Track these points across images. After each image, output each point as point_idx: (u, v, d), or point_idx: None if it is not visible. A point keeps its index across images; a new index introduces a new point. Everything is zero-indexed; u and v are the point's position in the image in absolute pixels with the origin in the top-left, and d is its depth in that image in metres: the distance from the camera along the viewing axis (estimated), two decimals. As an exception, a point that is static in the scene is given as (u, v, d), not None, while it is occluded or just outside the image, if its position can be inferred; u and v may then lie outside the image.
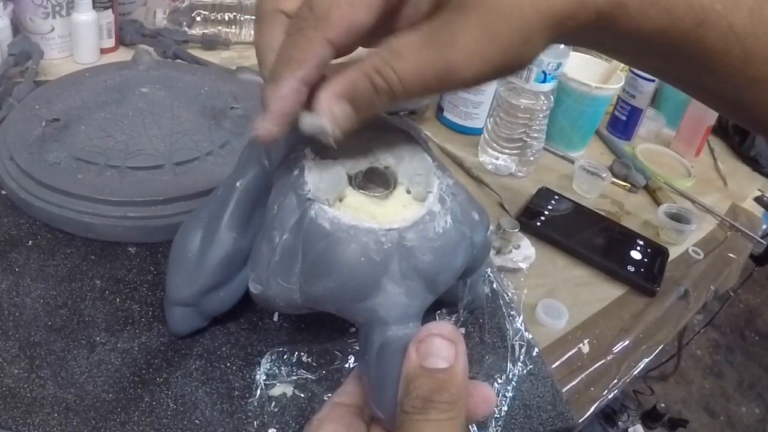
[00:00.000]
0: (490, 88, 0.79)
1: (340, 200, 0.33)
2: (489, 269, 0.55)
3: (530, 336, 0.51)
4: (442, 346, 0.27)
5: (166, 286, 0.42)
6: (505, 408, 0.45)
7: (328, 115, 0.28)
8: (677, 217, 0.73)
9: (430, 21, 0.27)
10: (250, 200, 0.39)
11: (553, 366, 0.52)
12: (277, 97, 0.28)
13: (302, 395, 0.42)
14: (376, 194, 0.34)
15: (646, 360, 0.58)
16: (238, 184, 0.39)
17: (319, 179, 0.33)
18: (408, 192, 0.34)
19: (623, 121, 0.94)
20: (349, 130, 0.29)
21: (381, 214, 0.32)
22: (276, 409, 0.41)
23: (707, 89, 0.30)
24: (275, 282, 0.33)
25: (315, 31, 0.27)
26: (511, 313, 0.52)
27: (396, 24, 0.30)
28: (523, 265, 0.61)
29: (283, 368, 0.43)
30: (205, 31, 0.88)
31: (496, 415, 0.44)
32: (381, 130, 0.36)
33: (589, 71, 0.84)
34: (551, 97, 0.74)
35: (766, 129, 0.31)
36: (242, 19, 0.89)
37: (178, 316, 0.43)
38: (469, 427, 0.43)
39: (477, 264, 0.38)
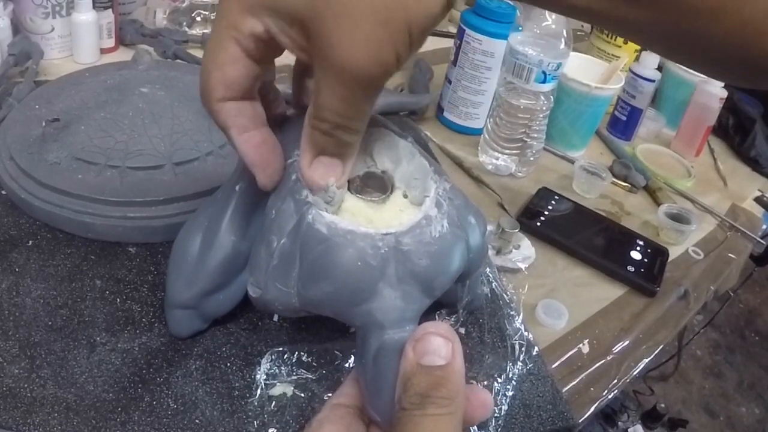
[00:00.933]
0: (491, 88, 0.79)
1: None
2: (488, 269, 0.55)
3: (530, 335, 0.51)
4: (439, 344, 0.27)
5: (167, 289, 0.42)
6: (505, 407, 0.45)
7: (317, 180, 0.32)
8: (677, 218, 0.73)
9: (311, 50, 0.28)
10: (249, 204, 0.39)
11: (553, 366, 0.52)
12: (243, 155, 0.33)
13: (302, 395, 0.42)
14: (373, 198, 0.34)
15: (646, 360, 0.58)
16: (237, 187, 0.39)
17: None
18: (405, 196, 0.34)
19: (623, 122, 0.94)
20: (341, 172, 0.32)
21: (378, 219, 0.33)
22: (276, 409, 0.41)
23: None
24: (273, 286, 0.33)
25: (208, 103, 0.32)
26: (511, 312, 0.52)
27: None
28: (522, 266, 0.61)
29: (283, 368, 0.43)
30: (205, 31, 0.88)
31: (496, 415, 0.44)
32: (379, 134, 0.36)
33: (589, 71, 0.84)
34: (551, 97, 0.74)
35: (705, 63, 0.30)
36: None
37: (178, 318, 0.43)
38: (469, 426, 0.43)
39: (474, 267, 0.38)
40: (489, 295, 0.53)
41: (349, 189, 0.34)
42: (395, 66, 0.27)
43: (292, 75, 0.38)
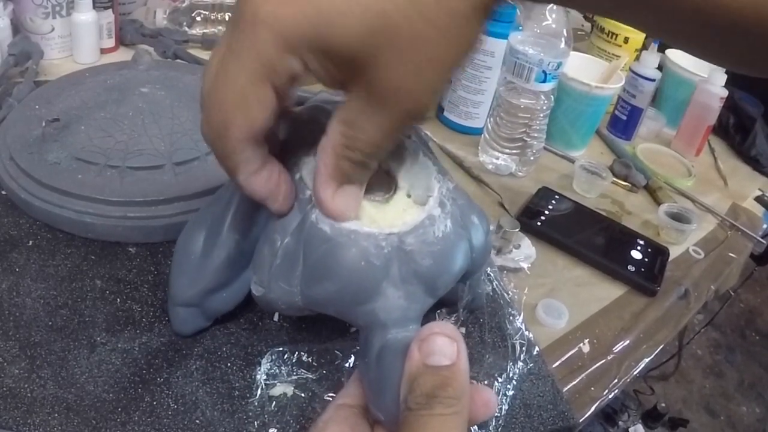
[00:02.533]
0: (491, 88, 0.79)
1: None
2: (489, 269, 0.55)
3: (530, 335, 0.51)
4: (444, 344, 0.27)
5: (170, 287, 0.42)
6: (506, 407, 0.45)
7: (344, 211, 0.31)
8: (678, 217, 0.73)
9: (356, 86, 0.28)
10: (252, 202, 0.39)
11: (554, 366, 0.52)
12: (251, 193, 0.32)
13: (303, 395, 0.42)
14: (377, 198, 0.34)
15: (647, 360, 0.58)
16: None
17: None
18: (408, 196, 0.34)
19: (623, 121, 0.94)
20: (360, 199, 0.32)
21: (381, 218, 0.33)
22: (276, 409, 0.41)
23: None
24: (277, 285, 0.33)
25: (223, 145, 0.29)
26: (512, 312, 0.52)
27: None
28: (524, 265, 0.61)
29: (283, 368, 0.43)
30: (205, 31, 0.88)
31: (496, 415, 0.44)
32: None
33: (589, 71, 0.84)
34: (551, 96, 0.74)
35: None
36: (242, 19, 0.88)
37: (181, 316, 0.43)
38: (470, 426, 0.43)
39: (477, 266, 0.38)
40: (490, 293, 0.53)
41: None
42: (431, 102, 0.28)
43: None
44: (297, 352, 0.44)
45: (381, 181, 0.35)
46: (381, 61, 0.26)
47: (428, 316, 0.35)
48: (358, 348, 0.44)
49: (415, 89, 0.27)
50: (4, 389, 0.38)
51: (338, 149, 0.29)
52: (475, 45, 0.27)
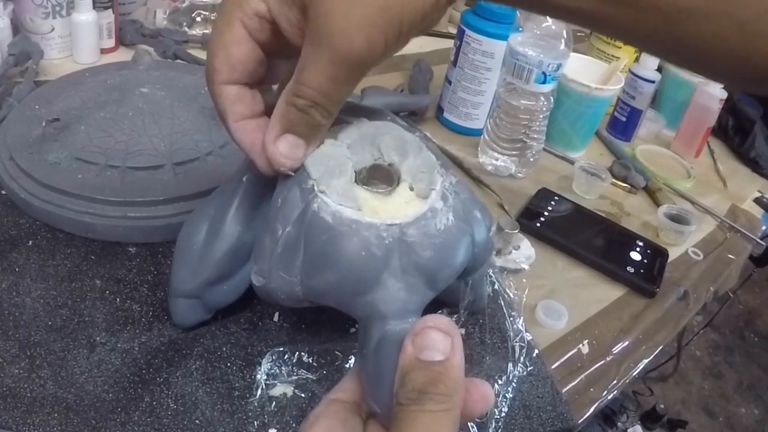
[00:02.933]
0: (491, 89, 0.79)
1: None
2: (490, 270, 0.55)
3: (531, 337, 0.51)
4: (437, 339, 0.27)
5: (171, 278, 0.42)
6: (506, 409, 0.45)
7: (279, 157, 0.32)
8: (677, 218, 0.73)
9: (306, 29, 0.29)
10: (255, 195, 0.39)
11: (553, 367, 0.52)
12: (238, 141, 0.34)
13: (303, 395, 0.42)
14: (380, 190, 0.34)
15: (646, 361, 0.58)
16: (244, 178, 0.39)
17: (323, 173, 0.33)
18: (411, 189, 0.35)
19: (623, 122, 0.94)
20: (303, 155, 0.33)
21: (383, 210, 0.33)
22: (276, 409, 0.41)
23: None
24: (277, 274, 0.34)
25: (211, 85, 0.32)
26: (512, 313, 0.52)
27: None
28: (525, 265, 0.61)
29: (283, 368, 0.43)
30: (205, 31, 0.88)
31: (496, 416, 0.44)
32: (386, 127, 0.37)
33: (589, 72, 0.84)
34: (551, 98, 0.74)
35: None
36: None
37: (182, 308, 0.43)
38: (469, 426, 0.43)
39: (479, 262, 0.38)
40: (491, 294, 0.53)
41: (355, 180, 0.34)
42: (382, 55, 0.28)
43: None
44: (297, 353, 0.44)
45: (384, 173, 0.35)
46: (324, 7, 0.27)
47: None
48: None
49: (347, 27, 0.27)
50: (4, 389, 0.38)
51: (288, 95, 0.31)
52: (418, 10, 0.27)
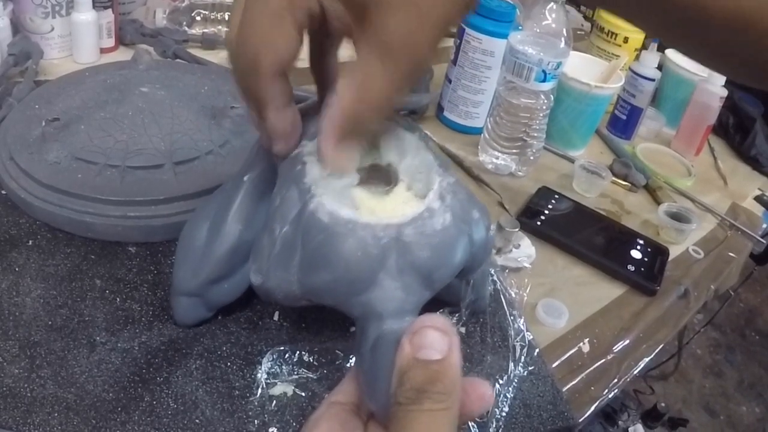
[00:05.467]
0: (491, 88, 0.79)
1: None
2: (492, 269, 0.55)
3: (531, 337, 0.51)
4: (435, 338, 0.27)
5: (173, 276, 0.43)
6: (506, 408, 0.45)
7: (342, 161, 0.32)
8: (677, 217, 0.73)
9: (365, 35, 0.29)
10: (257, 194, 0.40)
11: (554, 365, 0.52)
12: (274, 129, 0.34)
13: (303, 394, 0.42)
14: (377, 190, 0.34)
15: (647, 359, 0.58)
16: (245, 178, 0.40)
17: (320, 173, 0.33)
18: (409, 189, 0.35)
19: (623, 121, 0.94)
20: (357, 156, 0.33)
21: (380, 210, 0.33)
22: (277, 409, 0.41)
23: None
24: (275, 273, 0.34)
25: (256, 80, 0.32)
26: (513, 312, 0.52)
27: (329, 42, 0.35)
28: (526, 263, 0.61)
29: (284, 367, 0.43)
30: (205, 30, 0.88)
31: (496, 416, 0.44)
32: (385, 127, 0.37)
33: (589, 70, 0.84)
34: (551, 96, 0.74)
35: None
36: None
37: (184, 306, 0.43)
38: (470, 426, 0.43)
39: (477, 262, 0.38)
40: (492, 293, 0.53)
41: None
42: (433, 55, 0.29)
43: (310, 58, 0.38)
44: (298, 352, 0.44)
45: (381, 173, 0.35)
46: (389, 8, 0.27)
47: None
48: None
49: (420, 40, 0.28)
50: (4, 389, 0.38)
51: (348, 103, 0.30)
52: (472, 2, 0.29)
